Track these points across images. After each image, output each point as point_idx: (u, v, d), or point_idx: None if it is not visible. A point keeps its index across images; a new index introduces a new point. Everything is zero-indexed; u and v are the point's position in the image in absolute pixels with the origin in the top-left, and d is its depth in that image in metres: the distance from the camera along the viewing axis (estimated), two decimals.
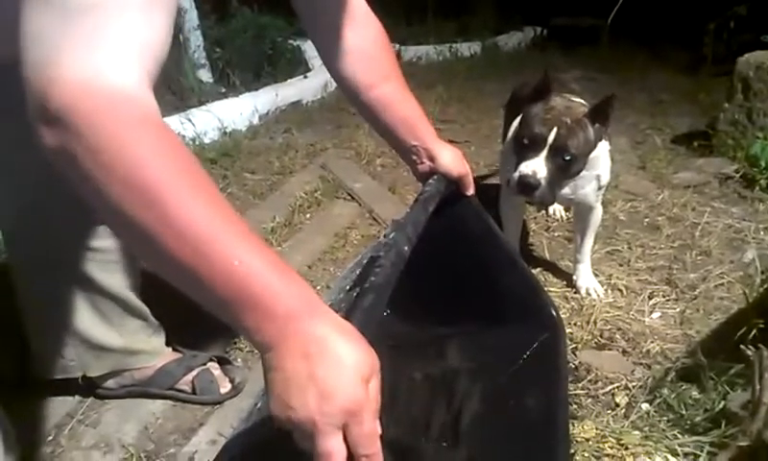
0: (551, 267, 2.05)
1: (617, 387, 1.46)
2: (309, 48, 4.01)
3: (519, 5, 6.30)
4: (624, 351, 1.61)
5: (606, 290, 1.88)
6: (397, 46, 4.78)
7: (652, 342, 1.62)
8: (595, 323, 1.69)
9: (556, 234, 2.28)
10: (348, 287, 0.92)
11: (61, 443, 1.33)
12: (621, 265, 2.04)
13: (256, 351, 0.60)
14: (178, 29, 3.43)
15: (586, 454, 1.25)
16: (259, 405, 0.70)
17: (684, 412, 1.34)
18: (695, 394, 1.39)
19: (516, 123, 1.72)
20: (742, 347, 1.29)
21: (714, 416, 1.29)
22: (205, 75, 3.75)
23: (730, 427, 1.23)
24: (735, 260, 2.04)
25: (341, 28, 1.08)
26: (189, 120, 3.03)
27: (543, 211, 2.38)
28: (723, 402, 1.30)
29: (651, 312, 1.78)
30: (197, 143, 2.99)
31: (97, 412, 1.40)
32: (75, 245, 1.25)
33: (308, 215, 2.40)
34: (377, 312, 0.75)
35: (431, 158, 1.13)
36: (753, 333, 1.40)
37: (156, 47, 0.60)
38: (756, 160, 2.69)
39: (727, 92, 3.03)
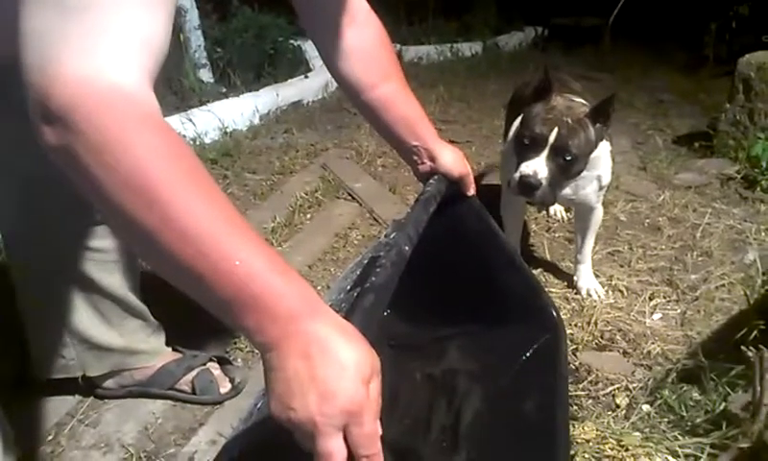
0: (552, 268, 2.05)
1: (618, 388, 1.46)
2: (310, 48, 4.00)
3: (520, 5, 6.30)
4: (625, 353, 1.60)
5: (606, 291, 1.87)
6: (398, 46, 4.78)
7: (653, 343, 1.62)
8: (596, 324, 1.69)
9: (557, 235, 2.28)
10: (348, 287, 0.92)
11: (61, 442, 1.32)
12: (622, 266, 2.04)
13: (256, 352, 0.60)
14: (178, 29, 3.43)
15: (586, 456, 1.24)
16: (259, 405, 0.70)
17: (684, 413, 1.34)
18: (696, 395, 1.39)
19: (516, 123, 1.71)
20: (743, 348, 1.29)
21: (715, 417, 1.29)
22: (206, 75, 3.76)
23: (730, 429, 1.23)
24: (736, 261, 2.04)
25: (341, 27, 1.08)
26: (190, 120, 3.03)
27: (544, 212, 2.38)
28: (724, 404, 1.30)
29: (652, 313, 1.78)
30: (197, 143, 2.99)
31: (97, 412, 1.40)
32: (74, 245, 1.25)
33: (309, 215, 2.40)
34: (378, 312, 0.75)
35: (432, 159, 1.13)
36: (753, 334, 1.40)
37: (155, 44, 0.60)
38: (758, 161, 2.69)
39: (728, 93, 3.03)
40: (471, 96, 4.22)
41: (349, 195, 2.58)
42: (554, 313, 1.11)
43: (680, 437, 1.28)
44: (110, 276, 1.30)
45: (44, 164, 0.60)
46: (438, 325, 1.18)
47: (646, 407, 1.39)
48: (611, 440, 1.27)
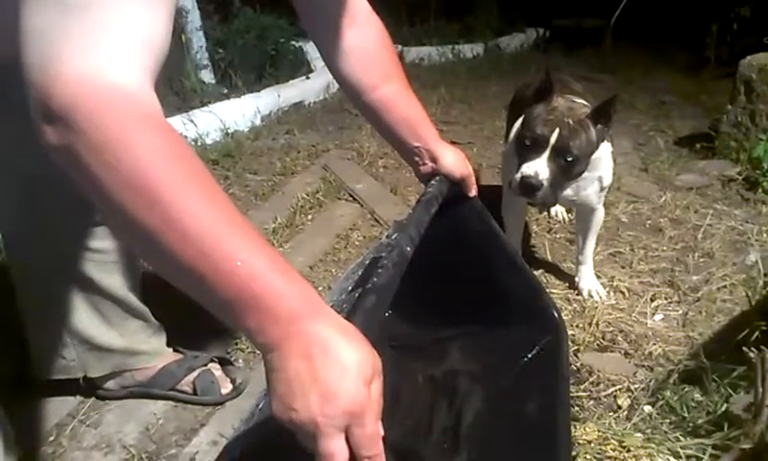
0: (553, 269, 2.04)
1: (619, 389, 1.46)
2: (311, 49, 4.01)
3: (522, 6, 6.30)
4: (626, 354, 1.60)
5: (608, 292, 1.87)
6: (400, 47, 4.78)
7: (654, 344, 1.62)
8: (597, 325, 1.69)
9: (558, 236, 2.27)
10: (349, 288, 0.92)
11: (62, 443, 1.32)
12: (623, 267, 2.04)
13: (257, 352, 0.60)
14: (180, 30, 3.43)
15: (588, 457, 1.24)
16: (261, 406, 0.70)
17: (686, 414, 1.34)
18: (697, 396, 1.39)
19: (518, 124, 1.71)
20: (745, 349, 1.29)
21: (717, 418, 1.29)
22: (208, 76, 3.76)
23: (732, 430, 1.23)
24: (738, 262, 2.04)
25: (342, 28, 1.08)
26: (191, 121, 3.04)
27: (545, 213, 2.38)
28: (725, 405, 1.30)
29: (653, 314, 1.78)
30: (199, 144, 2.99)
31: (98, 412, 1.40)
32: (74, 245, 1.25)
33: (310, 216, 2.40)
34: (379, 313, 0.75)
35: (433, 160, 1.13)
36: (755, 335, 1.39)
37: (156, 43, 0.60)
38: (759, 163, 2.69)
39: (730, 94, 3.03)
40: (473, 97, 4.22)
41: (351, 196, 2.58)
42: (555, 314, 1.11)
43: (681, 438, 1.28)
44: (110, 276, 1.30)
45: (45, 164, 0.60)
46: (439, 325, 1.18)
47: (648, 408, 1.39)
48: (612, 441, 1.27)
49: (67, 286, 1.28)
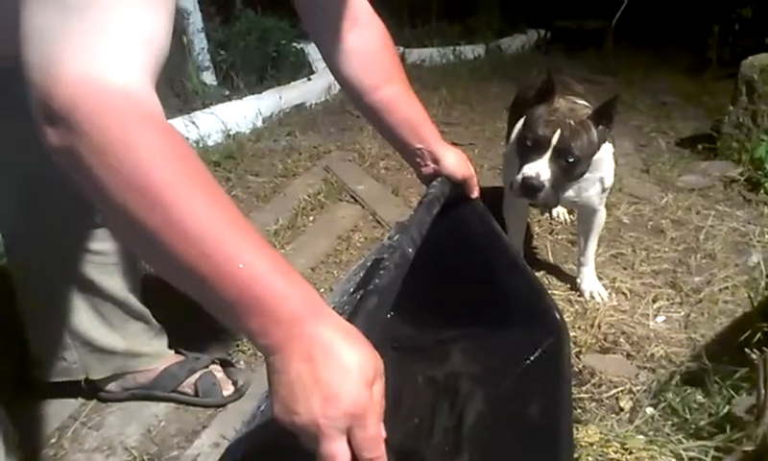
0: (555, 270, 2.04)
1: (621, 391, 1.46)
2: (313, 51, 4.01)
3: (523, 7, 6.29)
4: (628, 355, 1.60)
5: (610, 293, 1.87)
6: (401, 49, 4.78)
7: (656, 346, 1.62)
8: (599, 326, 1.69)
9: (560, 237, 2.27)
10: (351, 290, 0.92)
11: (64, 445, 1.32)
12: (625, 268, 2.04)
13: (259, 354, 0.60)
14: (181, 31, 3.43)
15: (589, 459, 1.24)
16: (262, 408, 0.70)
17: (688, 416, 1.34)
18: (700, 398, 1.38)
19: (519, 125, 1.71)
20: (747, 350, 1.28)
21: (719, 420, 1.28)
22: (209, 77, 3.76)
23: (735, 432, 1.22)
24: (740, 264, 2.04)
25: (343, 30, 1.08)
26: (193, 122, 3.04)
27: (547, 214, 2.37)
28: (728, 407, 1.29)
29: (655, 316, 1.77)
30: (200, 146, 3.00)
31: (100, 415, 1.40)
32: (74, 247, 1.25)
33: (311, 218, 2.40)
34: (381, 315, 0.74)
35: (435, 161, 1.13)
36: (757, 337, 1.39)
37: (157, 44, 0.60)
38: (761, 163, 2.68)
39: (731, 95, 3.02)
40: (474, 98, 4.22)
41: (352, 197, 2.58)
42: (557, 316, 1.11)
43: (684, 440, 1.28)
44: (111, 278, 1.30)
45: (46, 165, 0.60)
46: (441, 327, 1.18)
47: (650, 410, 1.39)
48: (614, 443, 1.27)
49: (68, 288, 1.28)
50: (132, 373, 1.40)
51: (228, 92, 3.67)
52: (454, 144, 1.18)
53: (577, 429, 1.30)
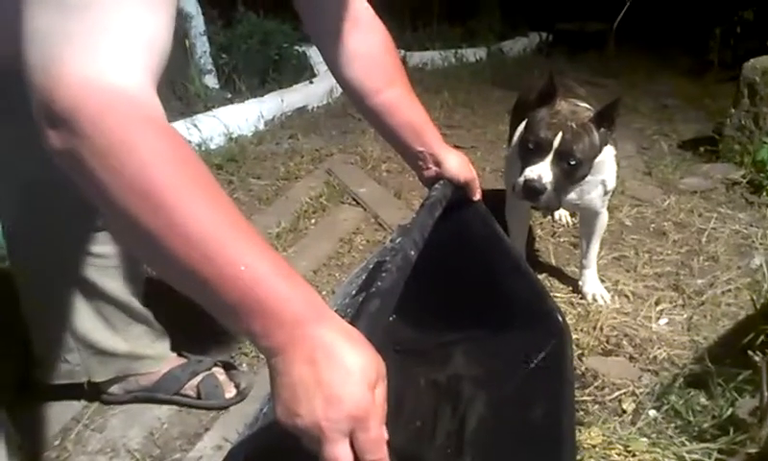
0: (557, 273, 2.04)
1: (624, 393, 1.46)
2: (315, 54, 4.01)
3: (525, 10, 6.30)
4: (631, 358, 1.60)
5: (612, 296, 1.87)
6: (403, 52, 4.78)
7: (659, 348, 1.62)
8: (602, 329, 1.68)
9: (562, 240, 2.27)
10: (353, 292, 0.92)
11: (67, 447, 1.32)
12: (628, 271, 2.03)
13: (262, 356, 0.60)
14: (184, 35, 3.44)
15: None
16: (265, 410, 0.70)
17: (691, 419, 1.33)
18: (703, 400, 1.38)
19: (521, 128, 1.71)
20: (750, 353, 1.28)
21: (722, 422, 1.28)
22: (211, 81, 3.76)
23: (738, 434, 1.22)
24: (743, 266, 2.03)
25: (345, 33, 1.08)
26: (195, 126, 3.04)
27: (549, 217, 2.37)
28: (731, 409, 1.29)
29: (658, 318, 1.77)
30: (203, 149, 3.00)
31: (103, 417, 1.40)
32: (76, 249, 1.25)
33: (313, 220, 2.40)
34: (383, 317, 0.75)
35: (437, 164, 1.13)
36: (760, 339, 1.39)
37: (158, 45, 0.60)
38: (763, 166, 2.68)
39: (733, 97, 3.02)
40: (476, 101, 4.22)
41: (354, 200, 2.58)
42: (560, 318, 1.11)
43: (687, 442, 1.27)
44: (113, 281, 1.30)
45: (47, 167, 0.60)
46: (443, 330, 1.18)
47: (653, 412, 1.39)
48: (617, 445, 1.27)
49: (70, 290, 1.28)
50: (135, 375, 1.40)
51: (230, 95, 3.67)
52: (456, 147, 1.19)
53: (580, 432, 1.30)
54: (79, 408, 1.42)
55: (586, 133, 1.53)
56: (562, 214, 2.37)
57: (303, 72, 4.11)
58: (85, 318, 1.30)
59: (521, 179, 1.54)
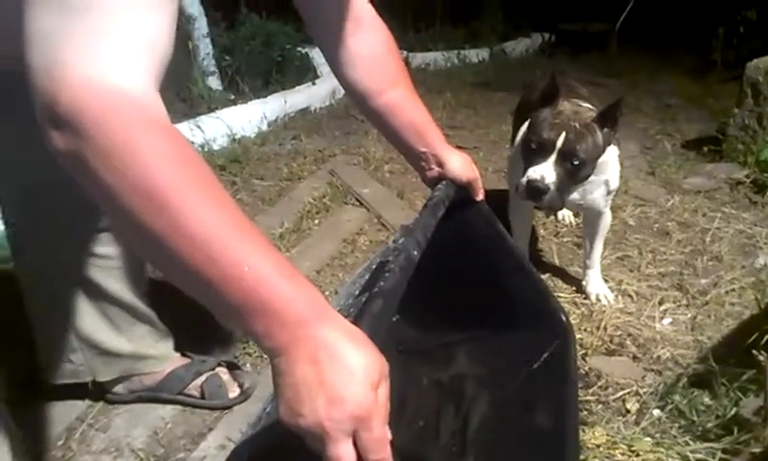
0: (560, 273, 2.04)
1: (628, 393, 1.45)
2: (317, 55, 4.02)
3: (527, 11, 6.30)
4: (635, 357, 1.60)
5: (616, 296, 1.87)
6: (405, 52, 4.79)
7: (663, 348, 1.61)
8: (605, 329, 1.68)
9: (565, 240, 2.27)
10: (356, 292, 0.92)
11: (72, 447, 1.33)
12: (631, 271, 2.03)
13: (265, 356, 0.60)
14: (187, 36, 3.45)
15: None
16: (268, 410, 0.70)
17: (695, 418, 1.33)
18: (707, 400, 1.38)
19: (524, 128, 1.71)
20: (754, 352, 1.28)
21: (726, 422, 1.28)
22: (215, 82, 3.77)
23: (742, 434, 1.22)
24: (747, 266, 2.03)
25: (347, 34, 1.08)
26: (198, 127, 3.05)
27: (552, 217, 2.37)
28: (735, 409, 1.29)
29: (662, 318, 1.77)
30: (206, 150, 3.00)
31: (107, 417, 1.41)
32: (79, 251, 1.26)
33: (317, 221, 2.40)
34: (386, 317, 0.74)
35: (440, 164, 1.13)
36: (765, 339, 1.39)
37: (160, 46, 0.60)
38: (767, 165, 2.67)
39: (736, 97, 3.02)
40: (478, 102, 4.23)
41: (357, 201, 2.58)
42: (563, 318, 1.11)
43: (691, 442, 1.27)
44: (116, 282, 1.30)
45: (50, 168, 0.60)
46: (446, 330, 1.18)
47: (657, 412, 1.38)
48: (621, 445, 1.27)
49: (73, 291, 1.28)
50: (139, 375, 1.40)
51: (233, 97, 3.68)
52: (459, 147, 1.19)
53: (583, 431, 1.30)
54: (83, 408, 1.43)
55: (589, 133, 1.53)
56: (565, 214, 2.37)
57: (306, 73, 4.12)
58: (89, 318, 1.30)
59: (524, 179, 1.54)
